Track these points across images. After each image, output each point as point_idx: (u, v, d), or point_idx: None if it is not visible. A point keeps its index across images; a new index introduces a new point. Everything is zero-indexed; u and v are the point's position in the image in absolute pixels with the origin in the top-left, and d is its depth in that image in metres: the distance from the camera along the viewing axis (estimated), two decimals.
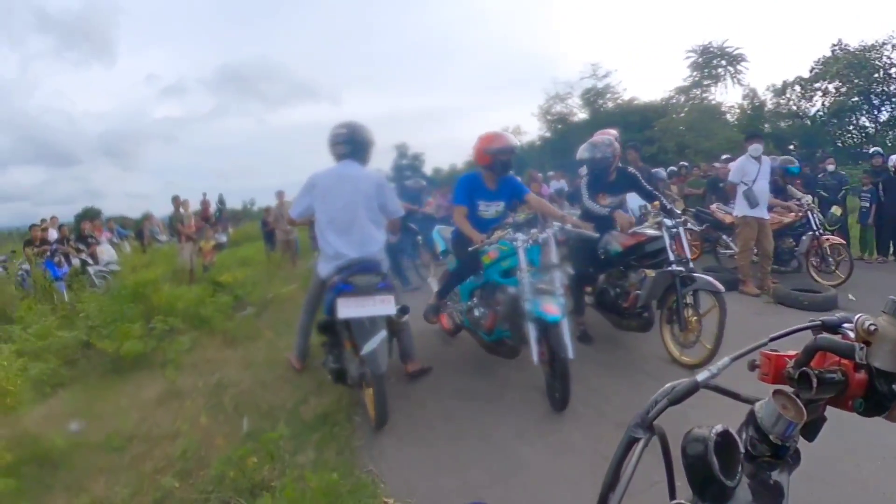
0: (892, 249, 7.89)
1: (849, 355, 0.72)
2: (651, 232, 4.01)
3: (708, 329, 3.68)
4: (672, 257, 3.81)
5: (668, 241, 3.85)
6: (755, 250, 6.01)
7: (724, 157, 10.39)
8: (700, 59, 25.41)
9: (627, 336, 4.40)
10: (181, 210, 9.89)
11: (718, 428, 0.67)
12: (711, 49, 25.13)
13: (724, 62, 25.20)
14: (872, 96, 22.30)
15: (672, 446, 0.72)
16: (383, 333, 3.08)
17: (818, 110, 24.08)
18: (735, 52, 25.00)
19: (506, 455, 2.72)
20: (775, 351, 0.79)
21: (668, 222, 3.90)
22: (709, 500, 0.65)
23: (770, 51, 35.92)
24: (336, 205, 3.32)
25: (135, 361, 4.34)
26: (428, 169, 37.15)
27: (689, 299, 3.76)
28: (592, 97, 28.08)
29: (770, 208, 6.11)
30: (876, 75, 21.67)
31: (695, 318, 3.74)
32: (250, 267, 9.26)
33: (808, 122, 24.24)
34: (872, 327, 0.70)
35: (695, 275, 3.76)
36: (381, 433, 3.01)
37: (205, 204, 12.01)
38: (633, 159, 6.92)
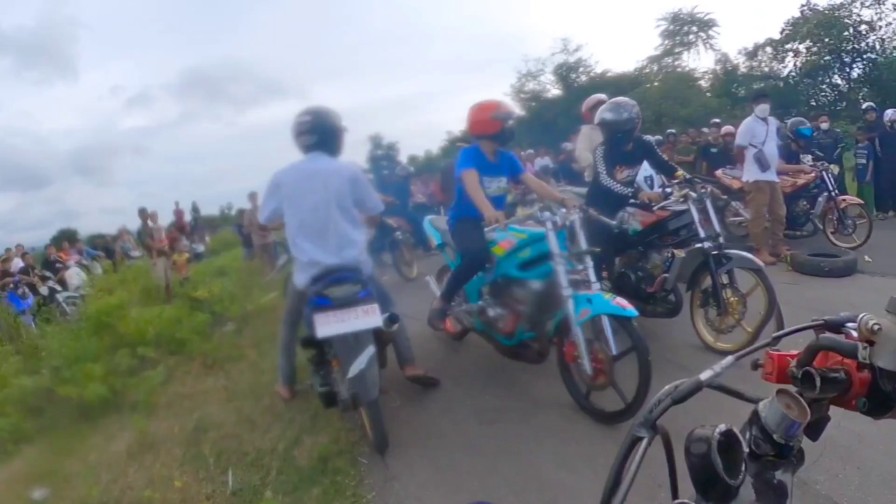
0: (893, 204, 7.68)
1: (851, 355, 0.70)
2: (675, 206, 3.59)
3: (751, 310, 3.29)
4: (702, 233, 3.39)
5: (695, 215, 3.43)
6: (767, 216, 5.67)
7: (713, 120, 10.08)
8: (671, 27, 25.24)
9: (651, 323, 3.98)
10: (149, 223, 9.24)
11: (722, 427, 0.65)
12: (682, 16, 24.97)
13: (695, 28, 25.05)
14: (843, 54, 22.23)
15: (675, 446, 0.70)
16: (371, 350, 2.63)
17: (791, 71, 24.03)
18: (705, 18, 24.88)
19: (553, 495, 2.23)
20: (778, 350, 0.77)
21: (694, 194, 3.48)
22: (712, 499, 0.64)
23: (740, 14, 35.77)
24: (305, 206, 2.82)
25: (103, 405, 3.79)
26: (403, 157, 36.46)
27: (724, 279, 3.36)
28: (565, 72, 27.64)
29: (778, 174, 5.76)
30: (846, 33, 21.61)
31: (735, 299, 3.33)
32: (227, 277, 8.69)
33: (781, 84, 24.16)
34: (876, 327, 0.66)
35: (729, 251, 3.35)
36: (396, 478, 2.51)
37: (178, 214, 11.45)
38: None
